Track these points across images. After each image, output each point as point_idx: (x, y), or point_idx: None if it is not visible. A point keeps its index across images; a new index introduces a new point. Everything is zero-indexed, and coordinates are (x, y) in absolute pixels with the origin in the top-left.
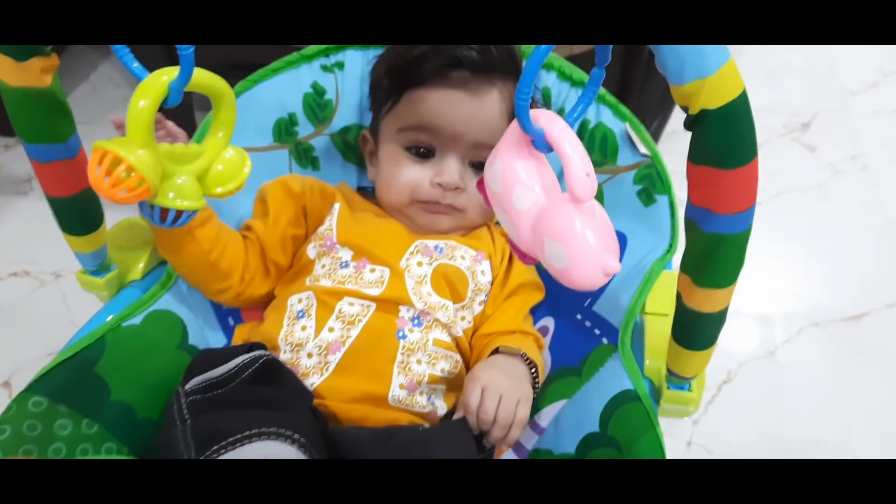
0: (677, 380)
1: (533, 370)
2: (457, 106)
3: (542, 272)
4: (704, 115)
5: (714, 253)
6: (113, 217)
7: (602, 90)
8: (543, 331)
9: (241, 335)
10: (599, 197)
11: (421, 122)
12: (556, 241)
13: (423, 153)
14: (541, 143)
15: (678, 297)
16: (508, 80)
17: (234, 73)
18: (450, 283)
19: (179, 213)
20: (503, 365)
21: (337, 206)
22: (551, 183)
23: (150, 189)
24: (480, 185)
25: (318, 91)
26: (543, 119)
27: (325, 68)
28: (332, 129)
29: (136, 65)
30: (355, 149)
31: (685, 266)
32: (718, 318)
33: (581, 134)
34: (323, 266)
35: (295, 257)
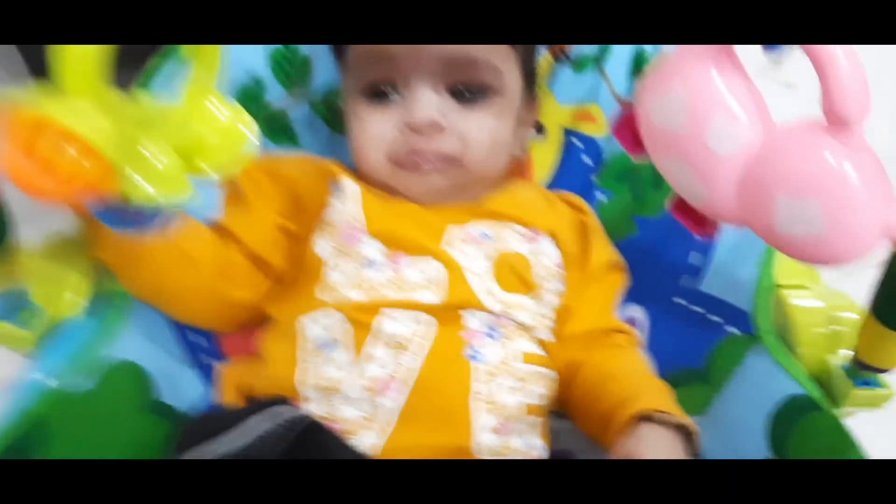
0: (870, 373)
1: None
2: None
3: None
4: None
5: None
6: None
7: None
8: (631, 323)
9: (230, 381)
10: None
11: (369, 53)
12: (801, 197)
13: (385, 95)
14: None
15: (893, 258)
16: None
17: None
18: (518, 275)
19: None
20: (664, 454)
21: (349, 182)
22: (766, 110)
23: (108, 174)
24: (623, 128)
25: (288, 45)
26: None
27: None
28: (313, 92)
29: None
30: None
31: None
32: None
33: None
34: (342, 273)
35: (294, 262)
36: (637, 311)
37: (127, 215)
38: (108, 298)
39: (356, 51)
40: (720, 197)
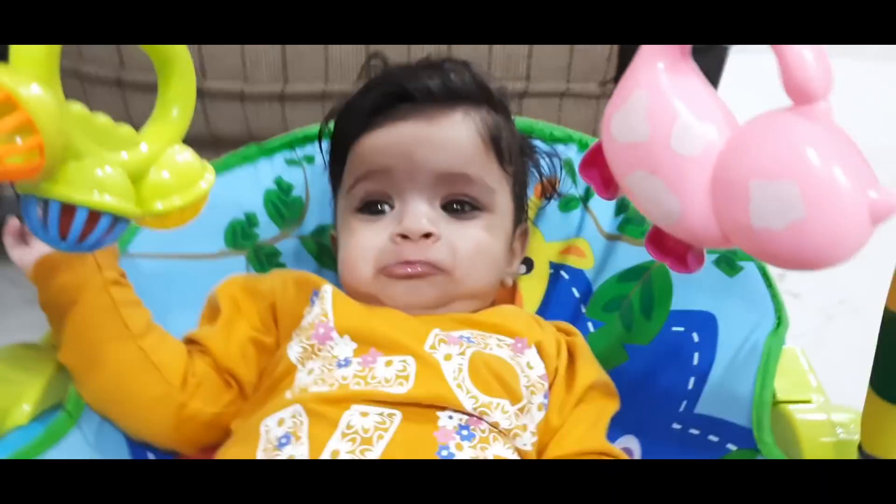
0: None
1: None
2: (407, 133)
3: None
4: None
5: None
6: None
7: None
8: (626, 454)
9: None
10: (663, 271)
11: (367, 169)
12: (775, 180)
13: (379, 209)
14: None
15: (885, 312)
16: (478, 105)
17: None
18: (497, 377)
19: (95, 217)
20: None
21: (328, 288)
22: (727, 109)
23: (43, 157)
24: (588, 166)
25: (283, 188)
26: None
27: (290, 162)
28: (304, 230)
29: None
30: (333, 253)
31: None
32: None
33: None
34: (310, 372)
35: (264, 374)
36: (631, 442)
37: (61, 223)
38: (61, 406)
39: (354, 167)
40: (692, 204)
